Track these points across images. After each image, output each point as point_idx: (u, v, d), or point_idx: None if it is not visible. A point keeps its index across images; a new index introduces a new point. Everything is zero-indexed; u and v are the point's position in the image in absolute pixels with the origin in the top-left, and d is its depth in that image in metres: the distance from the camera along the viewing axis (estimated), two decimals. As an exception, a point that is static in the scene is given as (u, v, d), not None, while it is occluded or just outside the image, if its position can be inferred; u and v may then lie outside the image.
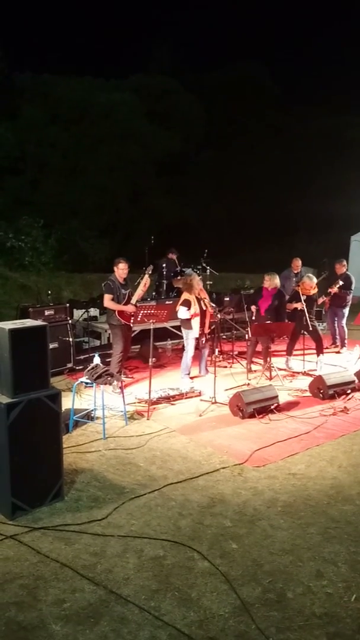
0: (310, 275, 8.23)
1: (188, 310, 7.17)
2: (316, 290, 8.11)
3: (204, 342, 7.52)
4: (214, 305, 7.79)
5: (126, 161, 22.41)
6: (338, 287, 8.98)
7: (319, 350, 8.09)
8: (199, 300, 7.29)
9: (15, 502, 3.86)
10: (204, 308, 7.31)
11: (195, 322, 7.20)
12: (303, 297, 7.87)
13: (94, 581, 3.21)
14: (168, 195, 24.41)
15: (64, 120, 22.39)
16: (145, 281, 7.19)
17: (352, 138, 24.50)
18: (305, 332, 8.14)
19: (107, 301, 6.96)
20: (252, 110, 27.33)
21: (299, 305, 7.83)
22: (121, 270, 7.08)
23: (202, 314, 7.30)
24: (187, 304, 7.19)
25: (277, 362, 8.07)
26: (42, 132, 21.24)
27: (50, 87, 22.64)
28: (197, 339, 7.39)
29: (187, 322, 7.27)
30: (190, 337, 7.29)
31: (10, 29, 27.74)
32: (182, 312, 7.22)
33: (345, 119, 25.59)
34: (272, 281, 7.80)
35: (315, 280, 8.07)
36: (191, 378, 7.42)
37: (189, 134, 25.68)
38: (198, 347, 7.59)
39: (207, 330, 7.45)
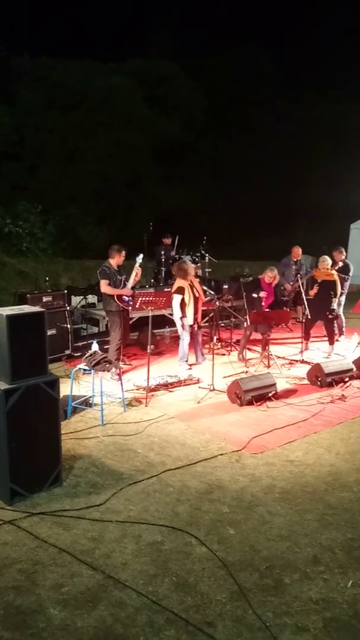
0: (325, 257, 8.16)
1: (182, 297, 7.13)
2: (334, 277, 8.01)
3: (196, 328, 7.48)
4: (212, 292, 7.76)
5: (125, 147, 22.18)
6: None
7: (306, 337, 8.14)
8: (191, 287, 7.25)
9: (13, 487, 3.87)
10: (197, 295, 7.27)
11: (189, 310, 7.16)
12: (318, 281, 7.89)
13: (92, 566, 3.23)
14: (167, 181, 24.20)
15: (62, 105, 22.10)
16: (137, 270, 7.16)
17: (353, 126, 24.29)
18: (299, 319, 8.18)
19: (104, 286, 6.93)
20: (253, 96, 27.02)
21: (313, 291, 7.83)
22: (122, 258, 7.06)
23: (195, 300, 7.26)
24: (180, 291, 7.16)
25: (281, 350, 8.07)
26: (40, 116, 20.97)
27: (48, 71, 22.30)
28: (191, 326, 7.36)
29: (180, 310, 7.23)
30: (184, 324, 7.27)
31: (8, 12, 27.26)
32: (176, 300, 7.17)
33: (347, 107, 25.33)
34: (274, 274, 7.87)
35: (329, 262, 8.02)
36: (189, 365, 7.41)
37: (189, 120, 25.39)
38: (192, 334, 7.57)
39: (199, 318, 7.41)
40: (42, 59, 22.71)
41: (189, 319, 7.17)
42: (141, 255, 7.24)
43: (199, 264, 10.37)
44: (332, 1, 32.23)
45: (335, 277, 8.05)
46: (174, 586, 3.08)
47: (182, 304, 7.17)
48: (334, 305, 7.88)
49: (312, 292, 7.83)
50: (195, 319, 7.27)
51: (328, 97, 26.31)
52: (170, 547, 3.45)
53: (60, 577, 3.13)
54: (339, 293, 8.16)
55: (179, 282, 7.24)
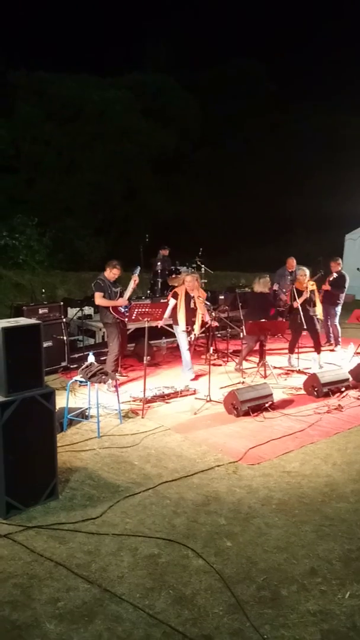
0: (303, 268, 8.20)
1: (175, 301, 7.21)
2: (314, 287, 8.04)
3: (193, 339, 7.50)
4: (207, 303, 7.79)
5: (121, 159, 22.34)
6: (329, 282, 9.03)
7: (317, 348, 8.11)
8: (190, 297, 7.30)
9: (9, 501, 3.85)
10: (192, 306, 7.31)
11: (181, 317, 7.21)
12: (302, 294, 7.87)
13: (89, 580, 3.21)
14: (163, 193, 24.36)
15: (59, 117, 22.30)
16: (135, 278, 7.21)
17: (347, 136, 24.56)
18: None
19: (99, 299, 6.94)
20: (248, 107, 27.31)
21: (294, 304, 7.82)
22: (114, 274, 7.08)
23: (192, 311, 7.30)
24: (175, 295, 7.25)
25: (277, 360, 8.06)
26: (37, 129, 21.13)
27: (45, 84, 22.53)
28: (188, 335, 7.39)
29: (174, 317, 7.30)
30: (178, 331, 7.32)
31: (5, 26, 27.57)
32: (169, 304, 7.27)
33: (341, 117, 25.65)
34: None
35: (307, 273, 8.05)
36: (195, 374, 7.44)
37: (185, 132, 25.62)
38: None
39: (197, 331, 7.43)
40: (39, 73, 22.93)
41: (180, 325, 7.22)
42: (138, 268, 7.28)
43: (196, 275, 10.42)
44: (326, 13, 32.72)
45: (314, 287, 8.07)
46: (171, 599, 3.07)
47: (174, 310, 7.27)
48: (316, 313, 7.94)
49: (296, 304, 7.82)
50: (187, 331, 7.27)
51: (322, 108, 26.63)
52: (167, 560, 3.43)
53: (56, 592, 3.11)
54: (316, 302, 8.14)
55: (177, 288, 7.38)
